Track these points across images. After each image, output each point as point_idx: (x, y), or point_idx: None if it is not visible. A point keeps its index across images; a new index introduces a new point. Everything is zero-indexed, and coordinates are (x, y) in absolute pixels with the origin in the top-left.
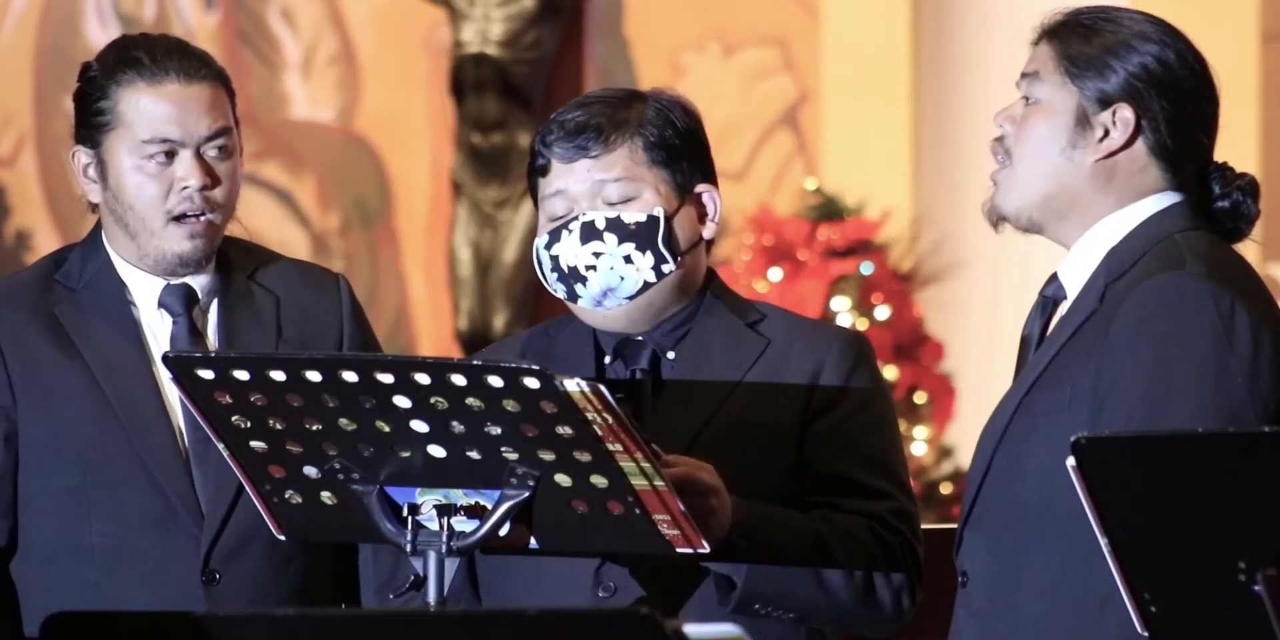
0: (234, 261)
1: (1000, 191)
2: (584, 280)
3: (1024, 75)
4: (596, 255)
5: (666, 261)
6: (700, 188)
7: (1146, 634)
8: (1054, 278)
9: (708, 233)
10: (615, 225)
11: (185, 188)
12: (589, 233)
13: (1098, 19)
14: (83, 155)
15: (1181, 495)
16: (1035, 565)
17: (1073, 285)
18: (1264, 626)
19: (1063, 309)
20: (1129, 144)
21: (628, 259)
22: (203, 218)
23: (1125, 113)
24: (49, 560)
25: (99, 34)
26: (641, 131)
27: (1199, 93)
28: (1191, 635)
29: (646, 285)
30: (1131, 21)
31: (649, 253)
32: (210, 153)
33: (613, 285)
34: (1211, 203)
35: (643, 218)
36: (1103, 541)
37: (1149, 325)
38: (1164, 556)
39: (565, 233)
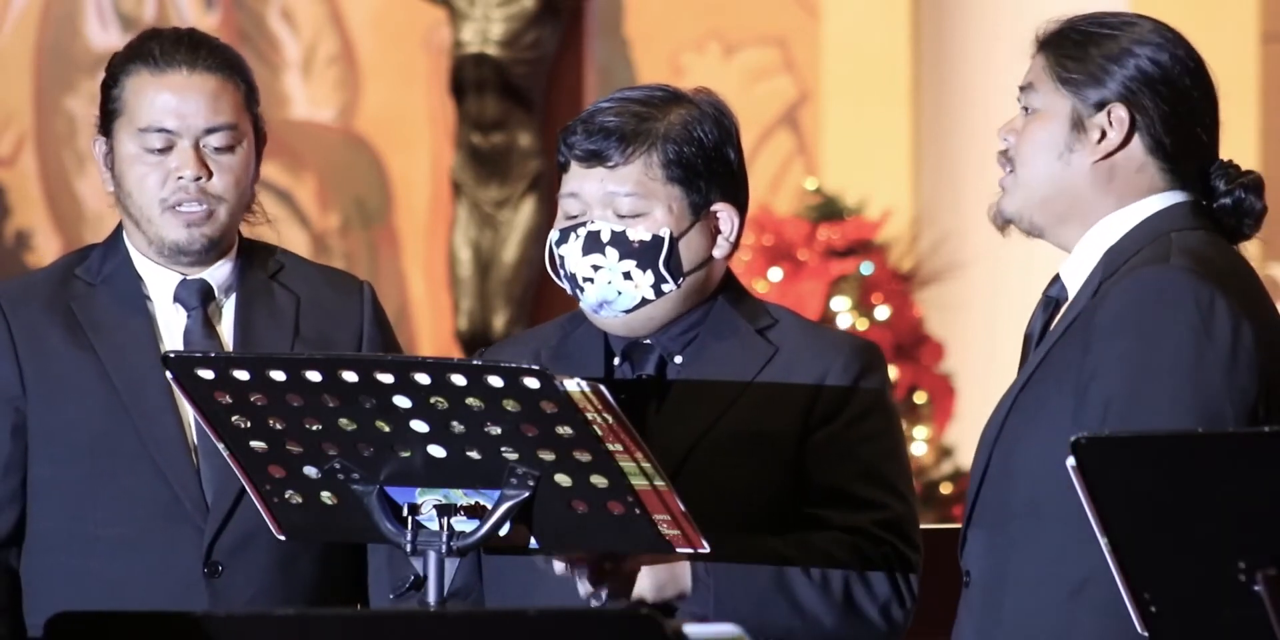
0: (257, 261)
1: (1005, 196)
2: (582, 289)
3: (1021, 88)
4: (595, 268)
5: (666, 281)
6: (717, 207)
7: (1146, 634)
8: (1056, 278)
9: (719, 252)
10: (619, 240)
11: (180, 178)
12: (592, 243)
13: (1091, 27)
14: (101, 144)
15: (1181, 495)
16: (1019, 560)
17: (1074, 285)
18: (1264, 626)
19: (1064, 309)
20: (1125, 143)
21: (627, 275)
22: (199, 208)
23: (1120, 112)
24: (54, 549)
25: (99, 34)
26: (662, 145)
27: (1195, 91)
28: (1191, 635)
29: (644, 301)
30: (1125, 26)
31: (649, 272)
32: (211, 144)
33: (609, 298)
34: (1215, 201)
35: (647, 237)
36: (1103, 541)
37: (1129, 316)
38: (1164, 556)
39: (573, 236)
